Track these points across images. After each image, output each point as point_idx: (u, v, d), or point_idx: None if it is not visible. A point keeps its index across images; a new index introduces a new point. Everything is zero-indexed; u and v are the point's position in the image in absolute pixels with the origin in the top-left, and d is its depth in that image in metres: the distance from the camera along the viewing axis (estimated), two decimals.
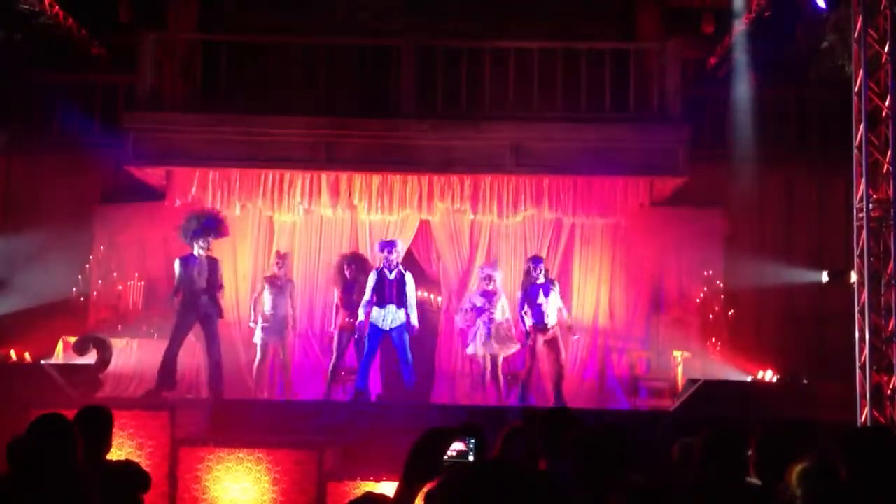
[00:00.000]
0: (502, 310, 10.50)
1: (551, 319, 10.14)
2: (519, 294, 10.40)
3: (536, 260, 10.43)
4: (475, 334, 10.51)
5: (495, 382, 10.43)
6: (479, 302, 10.52)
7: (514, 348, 10.53)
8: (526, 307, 10.18)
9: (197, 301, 10.01)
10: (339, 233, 11.82)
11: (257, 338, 10.61)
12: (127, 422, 8.04)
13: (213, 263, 10.18)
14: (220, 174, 11.24)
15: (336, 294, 10.68)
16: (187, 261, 10.10)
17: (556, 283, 10.50)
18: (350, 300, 10.44)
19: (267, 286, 10.62)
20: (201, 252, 10.06)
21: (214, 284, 10.11)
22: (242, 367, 11.23)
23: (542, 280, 10.21)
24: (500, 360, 10.45)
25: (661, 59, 10.77)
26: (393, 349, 10.25)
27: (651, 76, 10.78)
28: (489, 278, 10.51)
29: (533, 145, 10.72)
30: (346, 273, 10.52)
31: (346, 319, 10.43)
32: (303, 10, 11.22)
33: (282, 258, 10.75)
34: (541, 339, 10.20)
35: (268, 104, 10.26)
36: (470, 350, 10.62)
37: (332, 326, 10.72)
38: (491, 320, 10.40)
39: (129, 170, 11.01)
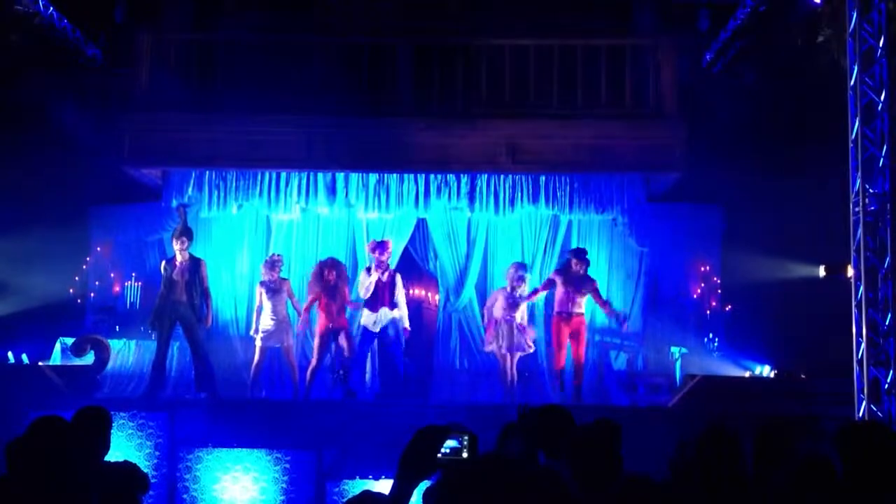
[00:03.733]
0: (522, 312, 10.50)
1: (578, 308, 10.29)
2: (552, 277, 10.49)
3: (580, 254, 10.45)
4: (495, 330, 10.52)
5: (510, 381, 10.44)
6: (502, 298, 10.50)
7: (529, 350, 10.55)
8: (555, 291, 10.30)
9: (175, 305, 9.98)
10: (336, 231, 11.83)
11: (258, 340, 10.59)
12: (125, 422, 8.05)
13: (195, 264, 10.14)
14: (217, 174, 11.25)
15: (308, 298, 10.58)
16: (168, 263, 10.14)
17: (595, 280, 10.54)
18: (330, 306, 10.37)
19: (263, 291, 10.59)
20: (179, 253, 10.06)
21: (196, 288, 10.07)
22: (240, 366, 11.24)
23: (580, 274, 10.28)
24: (515, 360, 10.47)
25: (657, 55, 10.77)
26: (387, 350, 10.26)
27: (647, 72, 10.78)
28: (521, 279, 10.49)
29: (529, 142, 10.72)
30: (328, 278, 10.43)
31: (327, 325, 10.36)
32: (298, 8, 11.20)
33: (271, 262, 10.67)
34: (565, 330, 10.30)
35: (264, 103, 10.25)
36: (490, 347, 10.64)
37: (299, 327, 10.66)
38: (512, 319, 10.40)
39: (126, 170, 11.00)
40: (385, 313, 10.15)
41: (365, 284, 10.23)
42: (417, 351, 10.64)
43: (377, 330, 10.16)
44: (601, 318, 11.59)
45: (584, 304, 10.46)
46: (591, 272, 11.54)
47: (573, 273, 10.32)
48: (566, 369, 10.53)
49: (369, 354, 10.76)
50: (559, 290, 10.37)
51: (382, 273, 10.20)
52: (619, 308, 11.19)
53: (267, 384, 11.14)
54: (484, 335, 10.94)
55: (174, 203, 11.29)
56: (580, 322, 10.39)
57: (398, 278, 10.37)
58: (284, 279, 10.73)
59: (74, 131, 10.76)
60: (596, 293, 10.45)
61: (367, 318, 10.19)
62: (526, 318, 10.61)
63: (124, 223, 11.88)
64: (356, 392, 10.18)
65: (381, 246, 10.33)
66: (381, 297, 10.15)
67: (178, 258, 10.13)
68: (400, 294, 10.33)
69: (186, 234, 10.22)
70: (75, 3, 11.07)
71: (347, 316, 10.61)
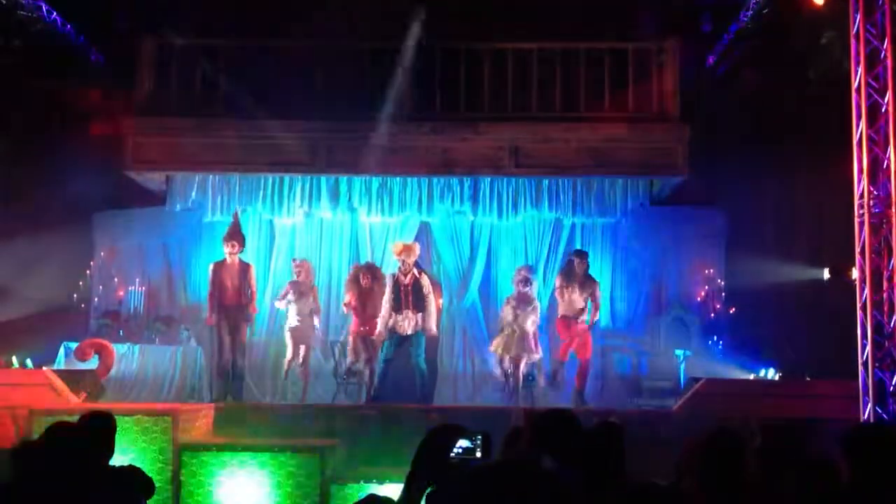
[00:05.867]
0: (532, 318, 10.50)
1: (580, 314, 10.33)
2: (557, 282, 10.59)
3: (581, 254, 10.60)
4: (503, 336, 10.53)
5: (510, 384, 10.44)
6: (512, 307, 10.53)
7: (536, 356, 10.55)
8: (559, 298, 10.41)
9: (227, 307, 10.10)
10: (339, 235, 11.83)
11: (288, 339, 10.62)
12: (129, 427, 8.04)
13: (244, 268, 10.25)
14: (220, 178, 11.26)
15: (348, 300, 10.66)
16: (218, 265, 10.21)
17: (596, 281, 10.59)
18: (364, 310, 10.42)
19: (291, 291, 10.63)
20: (229, 256, 10.17)
21: (245, 290, 10.15)
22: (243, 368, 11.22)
23: (581, 274, 10.36)
24: (521, 365, 10.47)
25: (659, 58, 10.76)
26: (408, 355, 10.24)
27: (650, 75, 10.77)
28: (526, 281, 10.51)
29: (532, 146, 10.72)
30: (362, 283, 10.50)
31: (361, 328, 10.41)
32: (301, 13, 11.21)
33: (298, 266, 10.74)
34: (566, 333, 10.39)
35: (267, 108, 10.26)
36: (491, 348, 10.63)
37: (343, 332, 10.72)
38: (520, 325, 10.41)
39: (129, 175, 11.02)
40: (409, 316, 10.13)
41: (389, 291, 10.26)
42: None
43: (403, 333, 10.16)
44: (603, 321, 11.59)
45: (588, 307, 10.46)
46: (594, 275, 11.55)
47: (574, 274, 10.37)
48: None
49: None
50: (563, 294, 10.41)
51: (405, 276, 10.21)
52: (625, 313, 11.56)
53: (272, 388, 11.15)
54: (488, 337, 10.97)
55: (177, 208, 11.33)
56: (581, 327, 10.41)
57: (424, 280, 10.34)
58: (313, 286, 10.78)
59: (78, 136, 10.78)
60: (593, 296, 10.46)
61: (392, 320, 10.20)
62: (538, 321, 10.61)
63: (128, 228, 11.89)
64: (378, 398, 10.19)
65: (406, 249, 10.37)
66: (405, 299, 10.14)
67: (228, 261, 10.22)
68: (428, 296, 10.30)
69: (238, 237, 10.28)
70: (78, 8, 11.09)
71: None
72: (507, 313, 10.58)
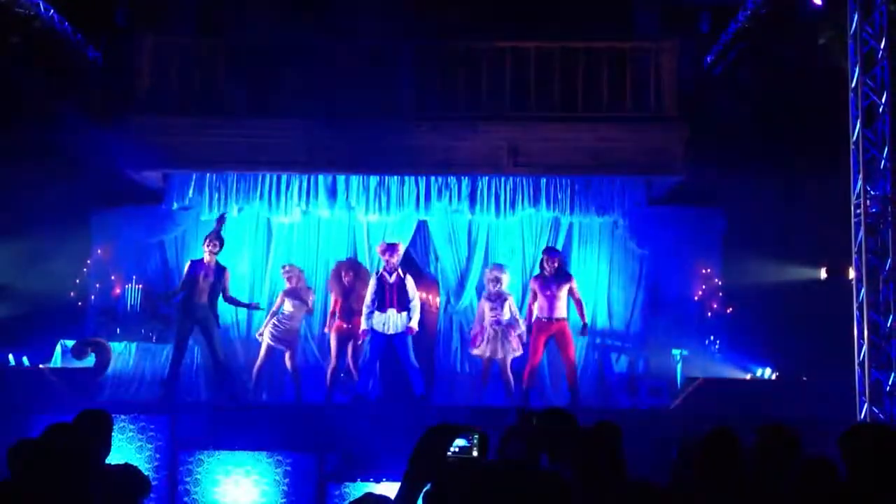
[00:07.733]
0: (509, 311, 10.49)
1: (559, 313, 10.22)
2: (530, 286, 10.54)
3: (550, 252, 10.53)
4: (482, 336, 10.50)
5: (505, 384, 10.43)
6: (488, 307, 10.51)
7: (518, 351, 10.52)
8: (537, 299, 10.28)
9: (195, 307, 10.11)
10: (336, 234, 11.83)
11: (265, 341, 10.57)
12: (126, 425, 8.05)
13: (220, 270, 10.29)
14: (217, 177, 11.26)
15: (332, 299, 10.68)
16: (195, 265, 10.25)
17: (572, 277, 10.55)
18: (348, 307, 10.45)
19: (287, 299, 10.57)
20: (208, 256, 10.21)
21: (218, 291, 10.19)
22: (241, 368, 11.23)
23: (553, 272, 10.30)
24: (507, 362, 10.45)
25: (657, 57, 10.77)
26: (397, 355, 10.25)
27: (648, 75, 10.78)
28: (497, 280, 10.51)
29: (530, 145, 10.72)
30: (345, 280, 10.53)
31: (344, 326, 10.43)
32: (300, 12, 11.20)
33: (288, 272, 10.72)
34: (542, 336, 10.26)
35: (265, 106, 10.26)
36: (476, 351, 10.61)
37: (326, 329, 10.75)
38: (498, 322, 10.39)
39: (127, 173, 11.00)
40: (393, 315, 10.15)
41: (373, 290, 10.25)
42: (418, 353, 10.62)
43: (388, 332, 10.17)
44: (601, 320, 11.59)
45: (566, 307, 10.40)
46: (592, 274, 11.55)
47: (546, 273, 10.34)
48: (539, 372, 10.67)
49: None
50: (538, 296, 10.31)
51: (390, 275, 10.23)
52: (622, 312, 11.46)
53: (266, 386, 11.14)
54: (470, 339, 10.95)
55: (175, 206, 11.34)
56: (561, 326, 10.28)
57: (409, 280, 10.37)
58: (309, 289, 10.78)
59: (75, 134, 10.76)
60: (571, 291, 10.40)
61: (376, 319, 10.20)
62: (517, 313, 10.57)
63: (125, 226, 11.86)
64: (362, 396, 10.19)
65: (390, 248, 10.37)
66: (390, 298, 10.16)
67: (206, 259, 10.27)
68: (412, 295, 10.31)
69: (219, 239, 10.40)
70: (76, 5, 11.07)
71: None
72: (482, 312, 10.57)
